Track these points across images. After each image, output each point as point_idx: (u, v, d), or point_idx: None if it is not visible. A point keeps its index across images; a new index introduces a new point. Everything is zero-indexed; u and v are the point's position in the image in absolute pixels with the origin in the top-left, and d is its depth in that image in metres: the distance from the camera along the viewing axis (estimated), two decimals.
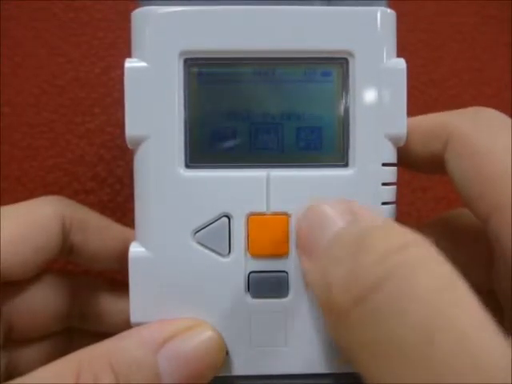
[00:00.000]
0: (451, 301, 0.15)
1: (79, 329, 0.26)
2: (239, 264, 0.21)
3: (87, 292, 0.26)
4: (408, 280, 0.15)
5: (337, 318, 0.16)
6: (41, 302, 0.24)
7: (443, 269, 0.15)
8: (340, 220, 0.17)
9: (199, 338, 0.20)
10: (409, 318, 0.14)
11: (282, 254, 0.21)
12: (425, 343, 0.14)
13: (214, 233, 0.21)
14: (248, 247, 0.21)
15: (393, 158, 0.21)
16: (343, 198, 0.19)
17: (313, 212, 0.19)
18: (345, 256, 0.16)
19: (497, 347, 0.14)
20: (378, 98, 0.21)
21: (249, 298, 0.21)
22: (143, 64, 0.20)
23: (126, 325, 0.21)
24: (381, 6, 0.21)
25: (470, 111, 0.21)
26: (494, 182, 0.18)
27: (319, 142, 0.21)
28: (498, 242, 0.18)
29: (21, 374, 0.23)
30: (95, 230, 0.25)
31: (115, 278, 0.27)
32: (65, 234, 0.24)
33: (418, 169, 0.23)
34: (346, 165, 0.21)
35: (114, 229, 0.26)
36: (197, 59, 0.21)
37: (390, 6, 0.21)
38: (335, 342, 0.19)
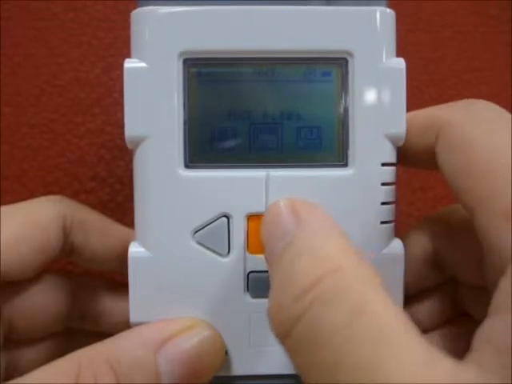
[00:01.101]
0: (357, 332, 0.15)
1: (79, 329, 0.26)
2: (239, 264, 0.21)
3: (87, 292, 0.26)
4: (320, 316, 0.15)
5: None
6: (41, 302, 0.24)
7: (353, 299, 0.16)
8: (288, 229, 0.18)
9: (198, 338, 0.20)
10: (320, 353, 0.15)
11: None
12: (335, 376, 0.15)
13: (213, 233, 0.21)
14: (247, 247, 0.21)
15: (392, 158, 0.21)
16: (293, 198, 0.19)
17: (268, 216, 0.19)
18: (280, 281, 0.17)
19: (411, 372, 0.14)
20: (377, 98, 0.21)
21: (248, 298, 0.21)
22: (143, 64, 0.20)
23: (126, 325, 0.21)
24: (380, 5, 0.21)
25: (462, 103, 0.21)
26: (481, 175, 0.18)
27: (319, 142, 0.21)
28: (483, 234, 0.18)
29: (21, 374, 0.23)
30: (96, 230, 0.25)
31: (115, 278, 0.27)
32: (65, 234, 0.24)
33: (414, 165, 0.23)
34: (345, 165, 0.21)
35: (115, 229, 0.26)
36: (196, 59, 0.21)
37: (389, 6, 0.21)
38: None
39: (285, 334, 0.16)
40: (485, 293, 0.20)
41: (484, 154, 0.18)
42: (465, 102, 0.21)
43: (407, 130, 0.21)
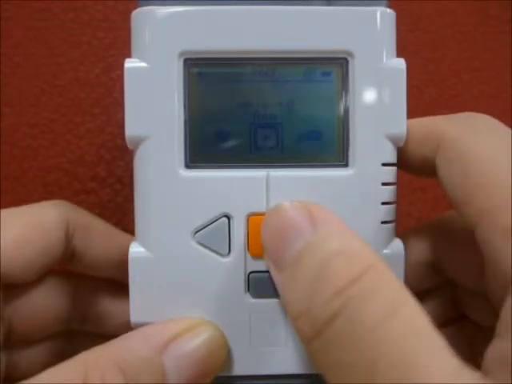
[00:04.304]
0: (395, 329, 0.15)
1: (80, 330, 0.26)
2: (239, 264, 0.21)
3: (88, 294, 0.26)
4: (357, 313, 0.15)
5: (302, 343, 0.17)
6: (42, 303, 0.24)
7: (391, 296, 0.16)
8: (302, 230, 0.18)
9: (203, 337, 0.20)
10: (357, 350, 0.15)
11: None
12: (370, 374, 0.15)
13: (213, 233, 0.21)
14: (248, 247, 0.21)
15: (393, 158, 0.21)
16: (303, 201, 0.19)
17: (275, 215, 0.19)
18: (306, 283, 0.17)
19: (442, 370, 0.14)
20: (377, 98, 0.21)
21: (249, 298, 0.21)
22: (143, 64, 0.20)
23: (127, 326, 0.21)
24: (381, 6, 0.21)
25: (462, 116, 0.21)
26: (480, 189, 0.18)
27: (319, 141, 0.21)
28: (485, 248, 0.18)
29: (20, 374, 0.24)
30: (98, 236, 0.25)
31: (116, 279, 0.27)
32: (67, 239, 0.24)
33: (413, 172, 0.23)
34: (345, 165, 0.21)
35: (118, 236, 0.26)
36: (197, 59, 0.21)
37: (389, 6, 0.21)
38: None
39: (316, 333, 0.16)
40: (484, 297, 0.20)
41: (484, 168, 0.18)
42: (465, 114, 0.21)
43: (407, 138, 0.21)
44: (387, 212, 0.21)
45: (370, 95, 0.21)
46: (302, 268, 0.17)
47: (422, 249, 0.24)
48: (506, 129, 0.20)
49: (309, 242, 0.17)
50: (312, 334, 0.16)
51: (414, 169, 0.22)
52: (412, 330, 0.15)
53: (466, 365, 0.15)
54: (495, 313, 0.18)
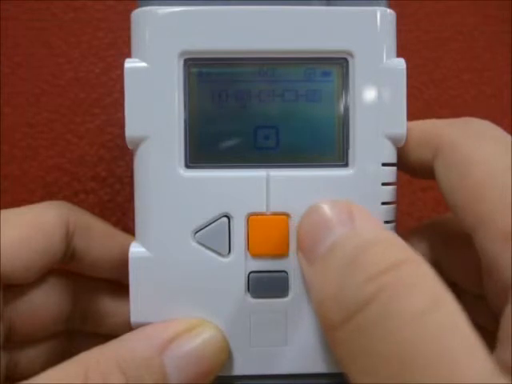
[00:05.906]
0: (435, 324, 0.14)
1: (80, 330, 0.26)
2: (239, 264, 0.21)
3: (88, 293, 0.26)
4: (394, 301, 0.15)
5: (327, 330, 0.16)
6: (42, 303, 0.24)
7: (432, 289, 0.15)
8: (339, 225, 0.18)
9: (203, 337, 0.20)
10: (391, 341, 0.14)
11: (281, 254, 0.21)
12: (402, 368, 0.14)
13: (214, 233, 0.21)
14: (248, 247, 0.21)
15: (392, 158, 0.21)
16: (343, 199, 0.19)
17: (313, 213, 0.19)
18: (339, 270, 0.16)
19: (482, 371, 0.14)
20: (377, 98, 0.21)
21: (249, 298, 0.21)
22: (143, 64, 0.20)
23: (127, 326, 0.21)
24: (381, 6, 0.21)
25: (461, 121, 0.21)
26: (479, 194, 0.18)
27: (319, 142, 0.21)
28: (483, 254, 0.18)
29: (21, 374, 0.24)
30: (98, 237, 0.25)
31: (116, 279, 0.27)
32: (68, 239, 0.24)
33: (412, 175, 0.23)
34: (345, 165, 0.21)
35: (118, 237, 0.26)
36: (197, 59, 0.21)
37: (389, 6, 0.21)
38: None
39: (344, 318, 0.15)
40: (484, 300, 0.20)
41: (482, 174, 0.18)
42: (465, 119, 0.21)
43: (406, 141, 0.21)
44: (387, 212, 0.21)
45: (370, 95, 0.21)
46: (335, 256, 0.17)
47: (420, 250, 0.24)
48: (506, 134, 0.20)
49: (344, 233, 0.17)
50: (339, 320, 0.16)
51: (413, 172, 0.22)
52: (452, 327, 0.14)
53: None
54: (495, 316, 0.17)
